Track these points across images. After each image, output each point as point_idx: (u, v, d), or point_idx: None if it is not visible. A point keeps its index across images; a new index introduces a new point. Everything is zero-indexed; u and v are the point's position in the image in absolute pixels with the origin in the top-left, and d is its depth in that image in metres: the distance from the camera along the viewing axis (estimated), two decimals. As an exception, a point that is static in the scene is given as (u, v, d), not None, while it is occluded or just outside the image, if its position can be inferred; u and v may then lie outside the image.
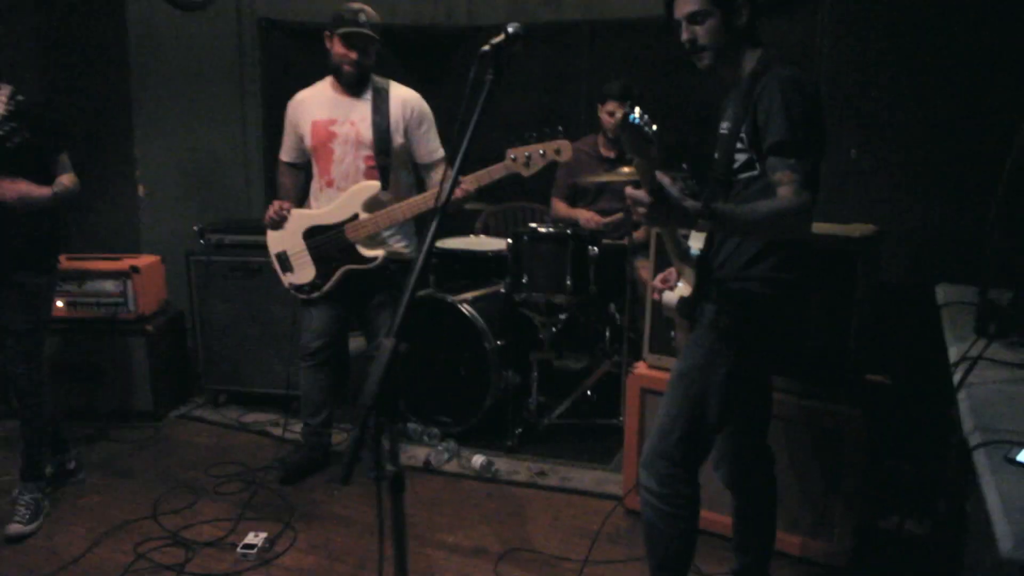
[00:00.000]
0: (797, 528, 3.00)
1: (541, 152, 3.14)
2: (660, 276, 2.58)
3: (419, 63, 5.43)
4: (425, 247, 1.69)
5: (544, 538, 3.25)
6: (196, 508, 3.54)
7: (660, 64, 5.00)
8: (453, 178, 1.76)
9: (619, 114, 4.45)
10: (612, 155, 4.58)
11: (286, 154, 3.71)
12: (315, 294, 3.58)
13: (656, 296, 2.56)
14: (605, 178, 4.20)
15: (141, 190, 4.83)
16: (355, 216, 3.43)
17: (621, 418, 4.07)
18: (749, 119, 2.22)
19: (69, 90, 4.81)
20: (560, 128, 3.17)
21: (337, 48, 3.44)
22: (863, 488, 2.90)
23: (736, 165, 2.29)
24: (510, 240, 4.03)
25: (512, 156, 3.18)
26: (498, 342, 3.87)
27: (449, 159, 3.24)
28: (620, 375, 4.09)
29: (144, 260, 4.41)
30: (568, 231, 3.91)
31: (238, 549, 3.17)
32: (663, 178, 1.98)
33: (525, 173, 3.19)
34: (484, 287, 4.16)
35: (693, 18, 2.30)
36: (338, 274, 3.51)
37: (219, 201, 4.94)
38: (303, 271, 3.57)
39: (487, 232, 5.09)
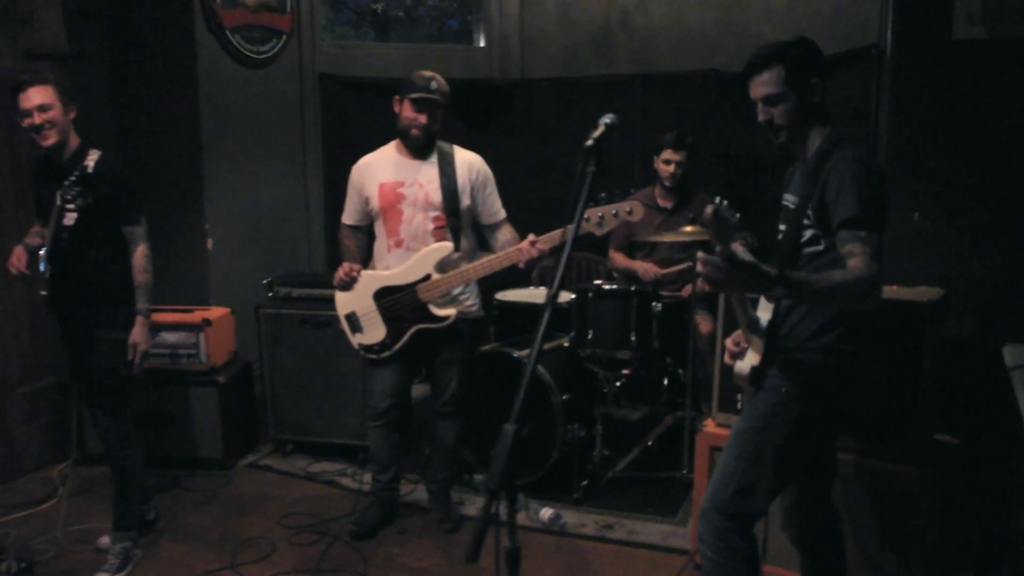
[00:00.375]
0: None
1: (614, 212, 3.22)
2: (731, 339, 2.65)
3: (473, 116, 5.57)
4: (540, 329, 1.78)
5: (616, 593, 3.31)
6: (273, 559, 3.62)
7: (709, 115, 5.10)
8: (564, 260, 1.86)
9: (675, 160, 4.55)
10: (669, 205, 4.67)
11: (349, 217, 3.77)
12: (385, 354, 3.64)
13: (729, 361, 2.64)
14: (668, 238, 4.28)
15: (209, 243, 4.98)
16: (427, 276, 3.51)
17: (685, 471, 4.13)
18: (817, 196, 2.33)
19: (144, 146, 4.99)
20: (632, 190, 3.25)
21: (407, 112, 3.55)
22: (932, 547, 2.93)
23: (803, 239, 2.40)
24: (574, 295, 4.12)
25: (586, 217, 3.26)
26: (563, 396, 3.95)
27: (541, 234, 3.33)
28: (683, 428, 4.15)
29: (215, 312, 4.55)
30: (632, 288, 4.00)
31: (317, 602, 3.26)
32: (737, 247, 2.09)
33: (598, 232, 3.27)
34: (548, 341, 4.25)
35: (769, 100, 2.42)
36: (409, 333, 3.58)
37: (283, 254, 5.08)
38: (373, 331, 3.64)
39: (544, 283, 5.18)
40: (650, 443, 4.39)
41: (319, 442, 4.59)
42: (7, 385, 4.34)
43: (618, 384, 4.21)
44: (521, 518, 3.90)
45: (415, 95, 3.51)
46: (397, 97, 3.59)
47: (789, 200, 2.51)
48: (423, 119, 3.51)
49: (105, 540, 3.60)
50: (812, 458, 2.58)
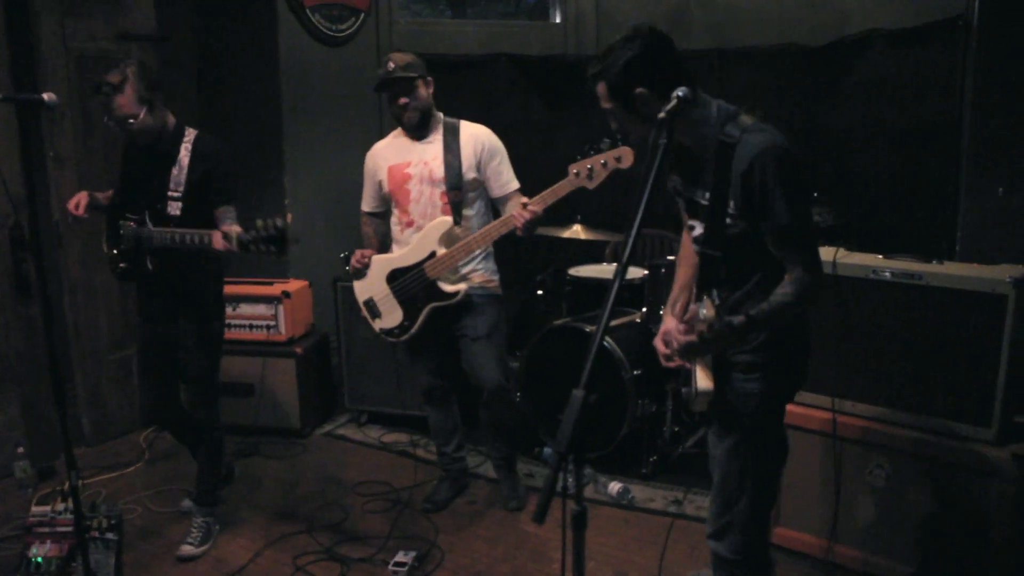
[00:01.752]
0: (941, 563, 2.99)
1: (603, 162, 3.15)
2: (660, 340, 2.53)
3: (550, 92, 5.57)
4: (608, 303, 1.80)
5: (681, 568, 3.31)
6: (346, 525, 3.73)
7: (789, 90, 5.00)
8: (633, 233, 1.86)
9: None
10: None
11: (367, 203, 3.81)
12: (405, 336, 3.64)
13: (667, 364, 2.49)
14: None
15: (289, 218, 5.08)
16: (432, 254, 3.50)
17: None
18: (737, 193, 2.21)
19: (226, 123, 5.13)
20: (618, 137, 3.10)
21: (387, 104, 3.58)
22: (1015, 527, 2.87)
23: (730, 232, 2.29)
24: (647, 271, 4.11)
25: (575, 171, 3.20)
26: (635, 371, 3.95)
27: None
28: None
29: (294, 285, 4.67)
30: (705, 263, 3.96)
31: (389, 567, 3.34)
32: (707, 310, 2.11)
33: (590, 186, 3.20)
34: (620, 316, 4.25)
35: (608, 113, 2.39)
36: (425, 313, 3.57)
37: (359, 228, 5.15)
38: (391, 315, 3.65)
39: (617, 260, 5.17)
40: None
41: (393, 413, 4.69)
42: (99, 352, 4.54)
43: (690, 361, 4.19)
44: (589, 491, 3.93)
45: (376, 86, 3.52)
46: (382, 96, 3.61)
47: (701, 195, 2.34)
48: (402, 100, 3.48)
49: (187, 503, 3.75)
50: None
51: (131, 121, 3.16)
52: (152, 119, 3.21)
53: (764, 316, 2.15)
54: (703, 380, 2.33)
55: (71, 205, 3.33)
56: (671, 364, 2.46)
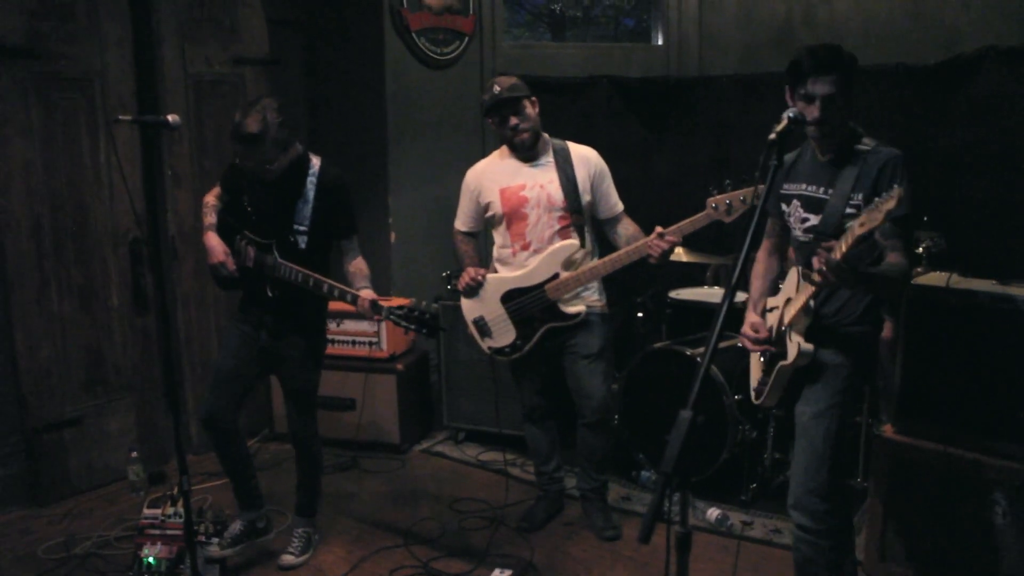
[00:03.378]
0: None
1: (741, 198, 3.13)
2: (748, 327, 2.86)
3: (651, 114, 5.55)
4: (718, 324, 1.78)
5: (785, 599, 3.23)
6: (443, 541, 3.76)
7: (897, 110, 4.87)
8: (744, 255, 1.85)
9: None
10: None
11: (464, 223, 3.80)
12: (516, 355, 3.65)
13: (755, 347, 2.84)
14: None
15: (393, 237, 5.21)
16: (555, 276, 3.51)
17: (859, 479, 3.98)
18: (868, 190, 2.55)
19: (334, 145, 5.28)
20: (757, 174, 3.13)
21: (498, 130, 3.59)
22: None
23: (845, 223, 2.55)
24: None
25: (713, 205, 3.19)
26: (736, 396, 3.88)
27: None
28: (859, 434, 3.99)
29: (396, 302, 4.73)
30: (810, 287, 3.87)
31: (486, 584, 3.36)
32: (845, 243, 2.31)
33: (727, 220, 3.19)
34: (723, 340, 4.19)
35: (829, 99, 2.55)
36: (540, 333, 3.58)
37: (453, 249, 5.22)
38: (503, 335, 3.66)
39: (718, 283, 5.11)
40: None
41: (490, 432, 4.71)
42: (209, 362, 4.70)
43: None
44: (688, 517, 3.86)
45: (485, 111, 3.56)
46: (489, 120, 3.64)
47: (824, 192, 2.68)
48: (513, 121, 3.51)
49: (237, 526, 3.63)
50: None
51: (269, 168, 3.23)
52: (286, 157, 3.27)
53: (876, 273, 2.48)
54: (804, 344, 2.64)
55: (225, 265, 3.37)
56: (758, 348, 2.82)
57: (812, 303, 2.65)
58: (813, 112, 2.56)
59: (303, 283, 3.25)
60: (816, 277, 2.36)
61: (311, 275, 3.24)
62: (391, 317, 3.13)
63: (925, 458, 3.08)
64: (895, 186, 2.18)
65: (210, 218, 3.51)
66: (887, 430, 3.26)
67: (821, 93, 2.53)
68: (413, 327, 3.11)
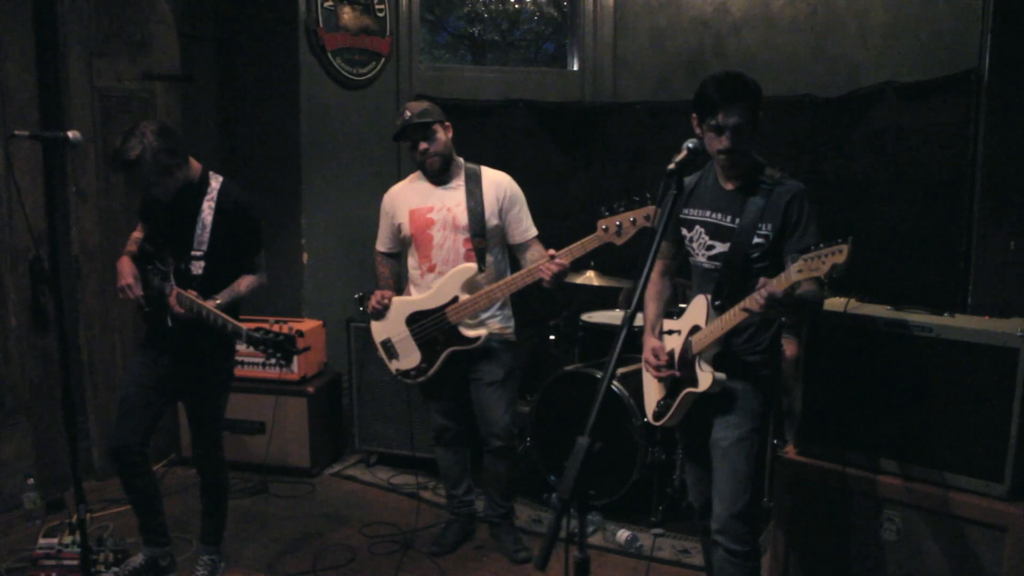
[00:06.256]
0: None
1: (632, 220, 3.17)
2: (649, 352, 2.91)
3: (565, 138, 5.63)
4: (616, 348, 1.81)
5: (691, 619, 3.28)
6: (353, 566, 3.72)
7: (802, 141, 5.02)
8: (642, 283, 1.88)
9: None
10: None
11: (382, 244, 3.84)
12: (421, 378, 3.66)
13: (656, 374, 2.90)
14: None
15: (305, 257, 5.15)
16: (455, 299, 3.52)
17: (765, 499, 4.06)
18: (777, 222, 2.65)
19: (248, 162, 5.22)
20: (648, 195, 3.17)
21: (408, 152, 3.64)
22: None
23: (754, 255, 2.68)
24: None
25: (603, 227, 3.22)
26: (644, 419, 3.93)
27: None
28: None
29: (308, 324, 4.71)
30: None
31: (394, 610, 3.32)
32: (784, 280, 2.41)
33: (618, 242, 3.22)
34: (630, 363, 4.25)
35: (738, 128, 2.61)
36: (443, 356, 3.59)
37: (374, 267, 5.20)
38: (408, 357, 3.66)
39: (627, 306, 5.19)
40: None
41: (402, 455, 4.67)
42: (112, 385, 4.56)
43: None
44: (598, 539, 3.90)
45: (395, 135, 3.61)
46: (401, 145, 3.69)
47: (715, 218, 2.77)
48: (422, 146, 3.55)
49: (139, 559, 3.55)
50: None
51: (153, 190, 3.16)
52: (172, 181, 3.18)
53: (802, 302, 2.53)
54: (717, 373, 2.70)
55: (127, 291, 3.28)
56: (662, 374, 2.86)
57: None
58: (723, 142, 2.61)
59: (192, 312, 3.15)
60: (756, 307, 2.44)
61: (200, 304, 3.14)
62: (251, 338, 3.07)
63: (824, 478, 3.17)
64: (841, 241, 2.21)
65: (130, 246, 3.43)
66: (789, 451, 3.35)
67: (731, 124, 2.58)
68: (269, 351, 3.06)
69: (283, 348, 3.07)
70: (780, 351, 2.93)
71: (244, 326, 3.12)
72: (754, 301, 2.45)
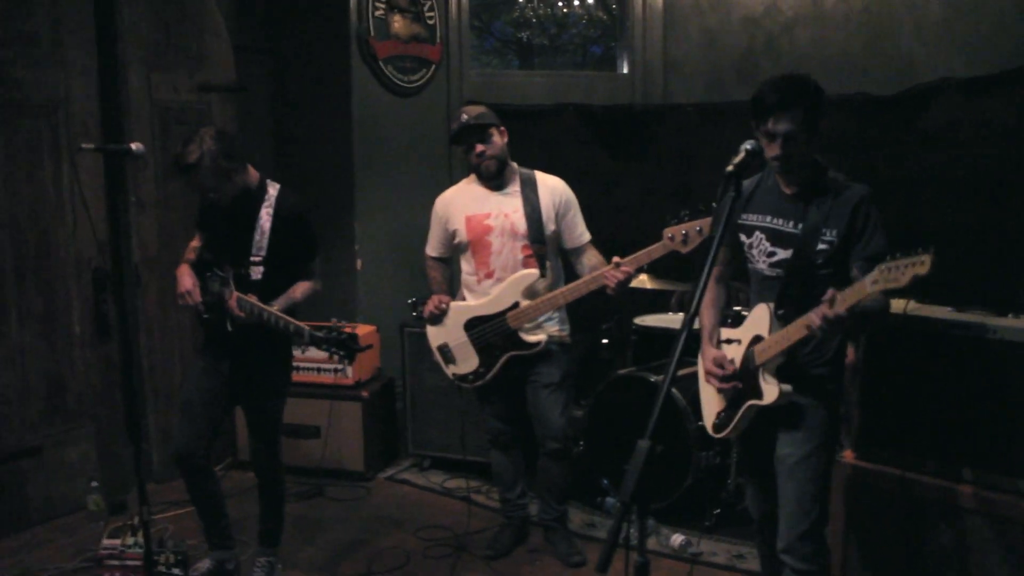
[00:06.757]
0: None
1: (698, 229, 3.15)
2: (711, 361, 2.81)
3: (615, 142, 5.61)
4: (677, 351, 1.80)
5: (748, 625, 3.25)
6: (408, 569, 3.75)
7: (856, 140, 4.96)
8: (703, 286, 1.88)
9: None
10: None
11: (434, 249, 3.85)
12: (479, 382, 3.67)
13: (719, 384, 2.79)
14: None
15: (359, 264, 5.21)
16: (516, 304, 3.53)
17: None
18: (842, 227, 2.56)
19: (301, 171, 5.29)
20: (713, 204, 3.15)
21: (467, 156, 3.64)
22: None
23: (817, 263, 2.60)
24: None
25: (670, 235, 3.21)
26: (699, 422, 3.90)
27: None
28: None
29: (362, 330, 4.74)
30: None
31: (450, 613, 3.34)
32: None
33: (683, 251, 3.20)
34: (686, 366, 4.22)
35: (791, 136, 2.52)
36: (502, 361, 3.60)
37: (425, 274, 5.27)
38: (466, 362, 3.67)
39: (683, 309, 5.15)
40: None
41: (456, 459, 4.68)
42: (171, 390, 4.66)
43: (755, 412, 4.14)
44: (652, 543, 3.88)
45: (452, 138, 3.64)
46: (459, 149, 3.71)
47: (776, 224, 2.69)
48: (478, 149, 3.56)
49: (205, 564, 3.63)
50: None
51: (211, 194, 3.23)
52: (231, 186, 3.24)
53: (868, 314, 2.44)
54: (784, 385, 2.60)
55: (187, 298, 3.33)
56: (727, 385, 2.75)
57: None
58: (775, 150, 2.53)
59: (252, 315, 3.19)
60: (817, 330, 2.37)
61: (260, 307, 3.18)
62: (314, 337, 3.10)
63: (884, 484, 3.11)
64: (922, 251, 2.10)
65: (188, 255, 3.50)
66: (848, 456, 3.30)
67: (782, 131, 2.50)
68: (331, 351, 3.08)
69: (346, 346, 3.09)
70: (844, 361, 2.82)
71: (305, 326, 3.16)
72: (816, 319, 2.37)
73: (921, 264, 2.06)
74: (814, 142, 2.57)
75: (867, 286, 2.22)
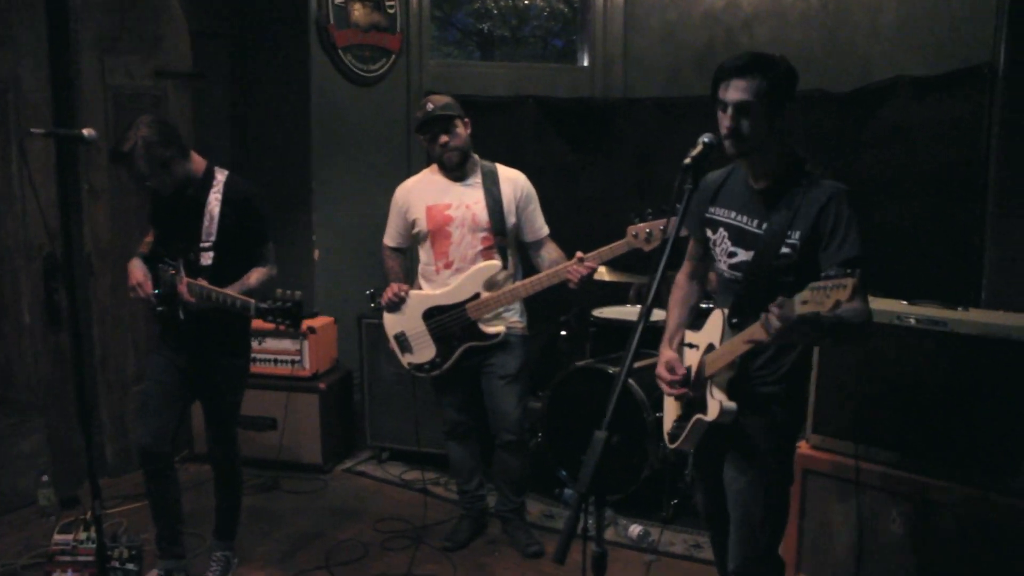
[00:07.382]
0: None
1: (662, 227, 3.20)
2: (663, 367, 2.60)
3: (575, 135, 5.62)
4: (633, 345, 1.81)
5: (704, 614, 3.29)
6: (366, 561, 3.73)
7: (814, 135, 5.01)
8: (658, 278, 1.88)
9: None
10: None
11: (392, 239, 3.83)
12: (435, 372, 3.67)
13: (672, 391, 2.60)
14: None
15: (316, 254, 5.17)
16: (476, 295, 3.54)
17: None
18: (805, 229, 2.32)
19: (259, 159, 5.23)
20: (678, 205, 3.15)
21: (428, 146, 3.63)
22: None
23: (781, 266, 2.37)
24: (669, 313, 4.12)
25: (634, 233, 3.27)
26: (656, 414, 3.94)
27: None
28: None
29: (319, 321, 4.71)
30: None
31: (407, 605, 3.33)
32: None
33: (647, 248, 3.25)
34: (643, 358, 4.25)
35: (741, 107, 2.30)
36: (459, 351, 3.61)
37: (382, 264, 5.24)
38: (423, 351, 3.67)
39: (641, 302, 5.18)
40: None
41: (414, 451, 4.68)
42: (124, 382, 4.58)
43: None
44: (610, 534, 3.90)
45: (417, 127, 3.61)
46: (419, 138, 3.69)
47: (740, 221, 2.47)
48: (442, 140, 3.55)
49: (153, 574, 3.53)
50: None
51: (148, 183, 3.16)
52: (169, 175, 3.17)
53: (837, 321, 2.11)
54: (726, 401, 2.39)
55: (138, 290, 3.29)
56: (675, 391, 2.56)
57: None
58: (725, 122, 2.30)
59: (203, 298, 3.13)
60: (766, 337, 2.13)
61: (209, 288, 3.11)
62: (259, 309, 3.02)
63: (837, 472, 3.17)
64: (848, 274, 1.88)
65: (142, 248, 3.45)
66: (802, 445, 3.34)
67: (732, 100, 2.27)
68: (277, 320, 3.02)
69: (291, 315, 3.02)
70: (802, 380, 2.60)
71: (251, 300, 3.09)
72: (759, 331, 2.13)
73: (843, 288, 1.85)
74: (776, 126, 2.32)
75: (796, 306, 1.99)
